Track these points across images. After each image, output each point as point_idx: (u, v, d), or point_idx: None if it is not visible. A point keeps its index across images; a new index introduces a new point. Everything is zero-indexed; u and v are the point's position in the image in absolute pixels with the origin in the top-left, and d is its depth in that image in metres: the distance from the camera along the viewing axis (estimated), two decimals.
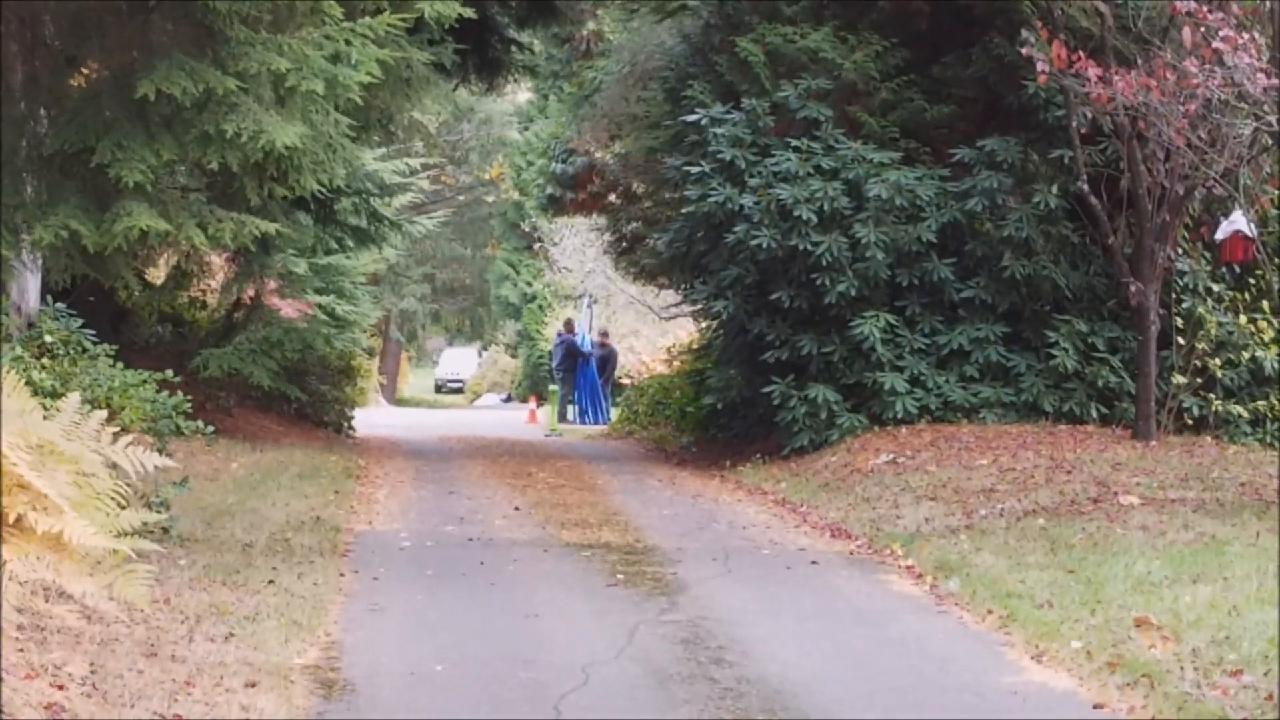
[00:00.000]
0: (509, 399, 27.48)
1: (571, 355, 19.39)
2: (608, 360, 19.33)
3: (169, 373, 8.83)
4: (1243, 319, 11.34)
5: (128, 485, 5.67)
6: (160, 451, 6.38)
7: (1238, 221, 10.00)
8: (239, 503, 9.19)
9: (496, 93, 17.12)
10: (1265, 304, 11.27)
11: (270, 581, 6.70)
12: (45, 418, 5.32)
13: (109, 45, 8.54)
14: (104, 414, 5.60)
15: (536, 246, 23.61)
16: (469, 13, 10.22)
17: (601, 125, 14.31)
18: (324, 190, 11.13)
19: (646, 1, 13.06)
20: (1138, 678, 5.21)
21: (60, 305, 9.98)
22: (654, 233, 13.02)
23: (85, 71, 9.03)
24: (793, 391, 11.66)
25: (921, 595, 7.39)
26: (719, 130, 11.61)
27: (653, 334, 19.30)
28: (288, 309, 15.00)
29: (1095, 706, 5.02)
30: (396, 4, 8.55)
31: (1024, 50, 9.08)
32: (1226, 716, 4.56)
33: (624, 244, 15.67)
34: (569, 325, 21.37)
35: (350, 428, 16.41)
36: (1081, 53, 8.46)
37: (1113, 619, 6.07)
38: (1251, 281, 11.39)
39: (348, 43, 8.37)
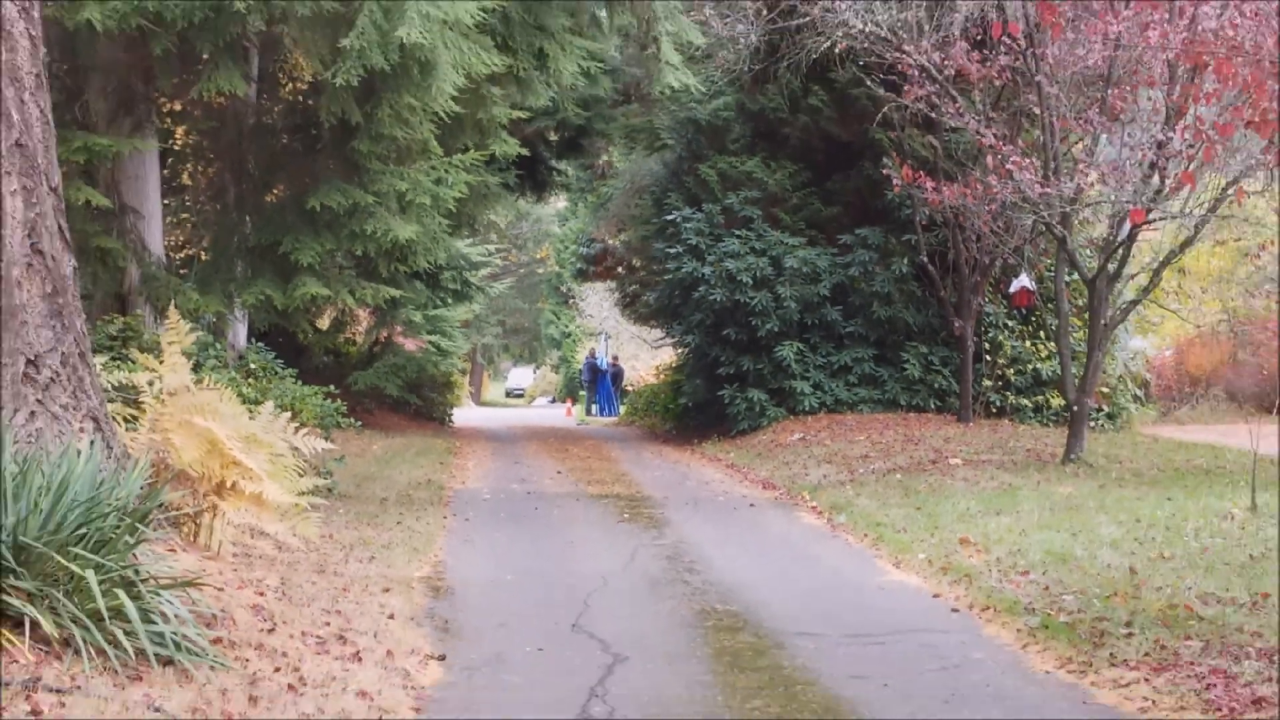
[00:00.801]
0: (554, 400, 36.59)
1: (594, 371, 26.00)
2: (618, 375, 25.62)
3: (331, 388, 11.97)
4: (1028, 343, 15.31)
5: (304, 461, 7.79)
6: (325, 439, 8.61)
7: (1024, 280, 13.74)
8: (378, 471, 12.21)
9: (544, 202, 24.12)
10: (1041, 334, 15.22)
11: (398, 522, 8.90)
12: (250, 418, 7.27)
13: (291, 174, 11.82)
14: (288, 415, 7.76)
15: (570, 301, 32.87)
16: (525, 151, 14.21)
17: (612, 222, 19.79)
18: (432, 266, 15.55)
19: (640, 141, 17.67)
20: (961, 577, 7.04)
21: (260, 344, 12.77)
22: (647, 292, 18.04)
23: (275, 191, 12.27)
24: (737, 394, 15.54)
25: (821, 525, 9.65)
26: (688, 225, 15.36)
27: (647, 357, 26.14)
28: (409, 345, 20.18)
29: (934, 596, 6.80)
30: (478, 145, 11.50)
31: (884, 171, 12.83)
32: (1018, 600, 6.22)
33: (628, 299, 21.91)
34: (592, 352, 29.14)
35: (450, 421, 21.37)
36: (922, 172, 11.74)
37: (945, 539, 8.23)
38: (1033, 319, 15.29)
39: (446, 171, 11.62)
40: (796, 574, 7.76)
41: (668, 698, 4.87)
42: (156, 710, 3.91)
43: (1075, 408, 11.33)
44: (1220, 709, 4.41)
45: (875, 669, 5.30)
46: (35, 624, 4.40)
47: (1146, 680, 4.84)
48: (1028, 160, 10.53)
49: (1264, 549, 7.44)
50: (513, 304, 33.35)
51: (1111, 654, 5.25)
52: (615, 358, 26.88)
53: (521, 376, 39.15)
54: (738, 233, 15.00)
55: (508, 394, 38.99)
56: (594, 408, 25.46)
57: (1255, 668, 4.79)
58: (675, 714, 4.46)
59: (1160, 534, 8.14)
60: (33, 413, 5.64)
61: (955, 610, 6.47)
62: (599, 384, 24.82)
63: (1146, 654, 5.20)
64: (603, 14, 12.86)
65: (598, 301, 27.65)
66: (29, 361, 5.70)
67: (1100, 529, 8.37)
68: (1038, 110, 10.62)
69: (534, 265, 33.60)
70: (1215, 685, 4.75)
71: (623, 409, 23.67)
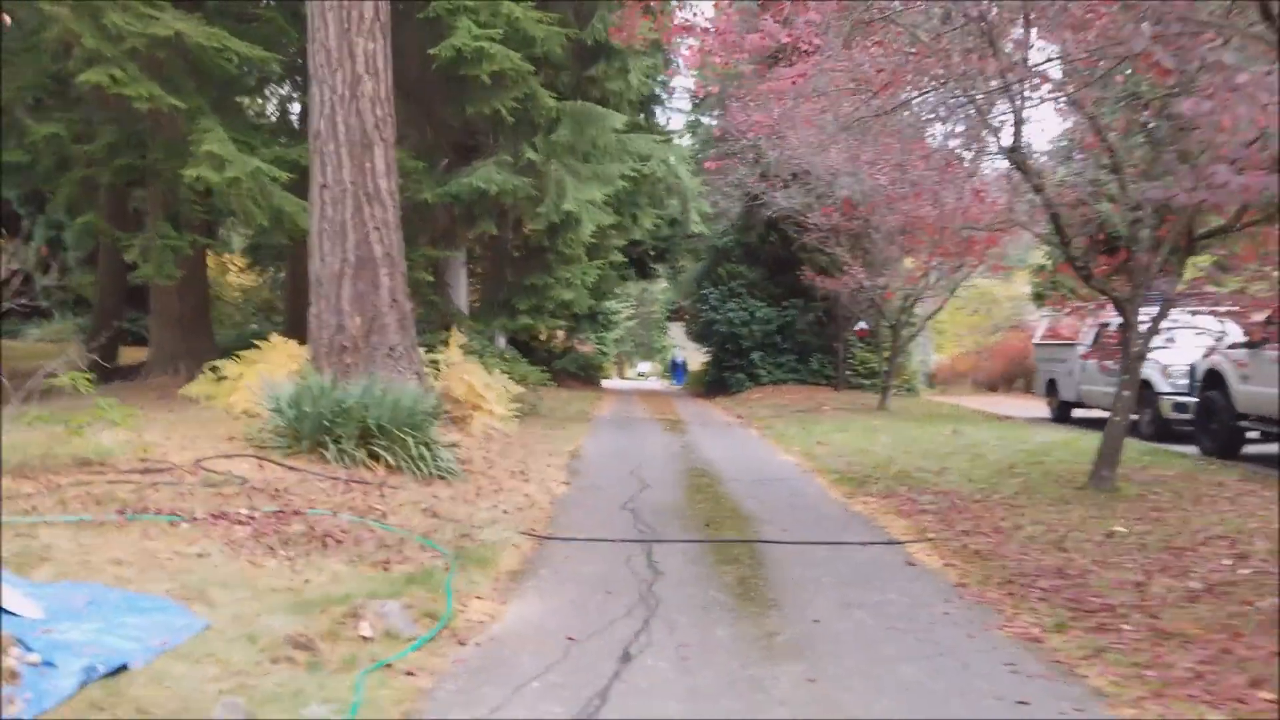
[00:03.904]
0: (655, 378, 56.96)
1: (674, 364, 42.50)
2: (684, 365, 41.36)
3: (543, 367, 19.22)
4: (867, 353, 22.80)
5: (521, 399, 13.17)
6: (534, 388, 15.36)
7: (862, 324, 20.64)
8: (560, 406, 17.45)
9: (648, 281, 37.34)
10: (873, 349, 22.17)
11: (563, 428, 13.70)
12: (490, 377, 12.11)
13: (517, 267, 18.67)
14: (508, 378, 12.97)
15: (665, 329, 52.51)
16: (624, 259, 24.53)
17: (683, 293, 31.26)
18: (585, 313, 24.92)
19: (691, 254, 27.92)
20: (812, 457, 10.90)
21: (511, 346, 19.98)
22: (697, 326, 27.21)
23: (510, 275, 19.06)
24: (731, 375, 23.75)
25: (757, 435, 14.12)
26: (712, 296, 23.80)
27: (697, 357, 38.92)
28: (586, 348, 31.96)
29: (797, 465, 10.60)
30: (602, 256, 20.79)
31: (803, 270, 19.50)
32: (834, 467, 10.04)
33: (689, 329, 33.42)
34: (674, 354, 44.54)
35: (601, 385, 32.25)
36: (818, 273, 18.71)
37: (809, 442, 12.10)
38: (868, 342, 22.08)
39: (585, 270, 19.33)
40: (738, 455, 11.47)
41: (662, 501, 8.04)
42: (434, 497, 7.27)
43: (885, 384, 18.09)
44: (905, 513, 7.53)
45: (764, 493, 8.46)
46: (385, 460, 7.65)
47: (879, 501, 8.09)
48: (862, 269, 16.59)
49: (953, 448, 11.12)
50: (637, 331, 57.65)
51: (867, 491, 8.46)
52: (684, 357, 44.11)
53: (645, 367, 64.66)
54: (734, 300, 23.52)
55: (637, 375, 63.82)
56: (673, 381, 42.46)
57: (928, 498, 8.13)
58: (664, 510, 7.70)
59: (910, 442, 11.60)
60: (390, 369, 9.13)
61: (805, 472, 9.95)
62: (676, 370, 42.26)
63: (882, 492, 8.36)
64: (672, 200, 19.19)
65: (677, 330, 45.76)
66: (389, 348, 9.16)
67: (882, 438, 12.09)
68: (868, 245, 16.58)
69: (650, 312, 56.20)
70: (906, 503, 7.91)
71: (685, 382, 37.29)
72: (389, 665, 3.77)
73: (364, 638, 4.00)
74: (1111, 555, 5.96)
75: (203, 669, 3.52)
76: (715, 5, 6.56)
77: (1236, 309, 6.93)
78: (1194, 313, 7.76)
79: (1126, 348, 7.69)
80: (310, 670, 3.65)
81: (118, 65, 9.50)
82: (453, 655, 4.09)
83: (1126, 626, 4.59)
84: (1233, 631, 4.41)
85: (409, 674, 3.79)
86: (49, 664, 3.17)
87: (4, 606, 3.50)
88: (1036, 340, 18.00)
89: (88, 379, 6.66)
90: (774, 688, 3.82)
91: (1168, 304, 7.56)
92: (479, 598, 4.94)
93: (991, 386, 25.84)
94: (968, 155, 7.97)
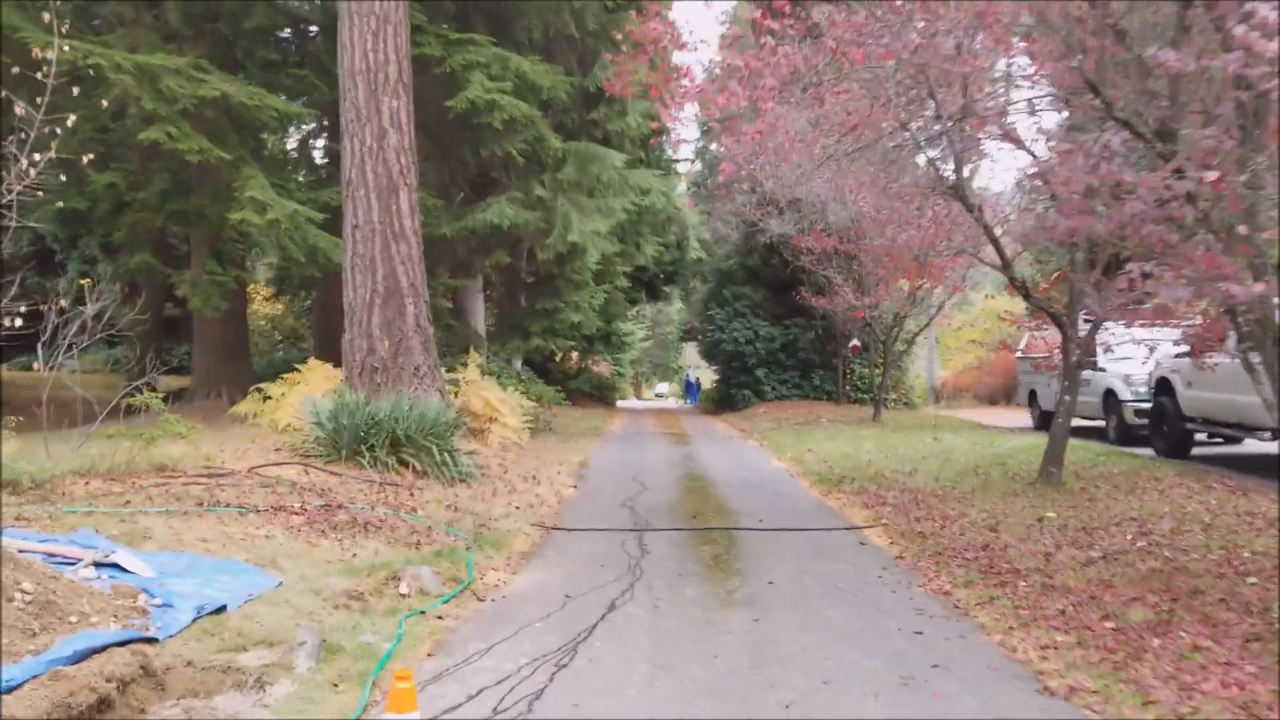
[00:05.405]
0: (673, 398, 57.53)
1: (688, 383, 43.68)
2: (699, 383, 42.13)
3: (558, 387, 20.37)
4: (864, 368, 23.40)
5: (534, 417, 14.07)
6: (549, 406, 16.38)
7: (855, 341, 20.89)
8: (573, 423, 18.03)
9: (663, 303, 38.79)
10: (869, 364, 22.68)
11: (575, 441, 14.53)
12: (505, 393, 13.30)
13: (529, 293, 19.81)
14: (523, 394, 14.13)
15: (679, 350, 52.94)
16: (628, 284, 25.87)
17: (693, 313, 31.70)
18: (601, 332, 26.26)
19: (699, 277, 28.86)
20: (800, 463, 11.68)
21: (528, 366, 20.77)
22: (705, 345, 26.95)
23: (523, 300, 20.16)
24: (738, 391, 24.07)
25: (755, 445, 14.77)
26: (718, 316, 23.97)
27: (708, 375, 39.16)
28: (602, 369, 32.73)
29: (787, 471, 11.33)
30: (609, 281, 21.80)
31: (801, 291, 19.97)
32: (817, 471, 10.88)
33: (701, 347, 32.61)
34: (687, 374, 45.18)
35: (616, 404, 32.54)
36: (814, 294, 19.18)
37: (801, 450, 12.70)
38: (862, 359, 22.43)
39: (593, 295, 20.13)
40: (734, 463, 12.10)
41: (658, 500, 8.92)
42: (456, 496, 8.19)
43: (877, 397, 19.04)
44: (869, 506, 8.33)
45: (750, 494, 9.28)
46: (413, 465, 8.58)
47: (850, 497, 8.98)
48: (851, 290, 17.25)
49: (930, 453, 11.78)
50: (652, 351, 58.30)
51: (841, 489, 9.33)
52: (697, 376, 45.17)
53: (663, 387, 66.50)
54: (739, 320, 24.00)
55: (655, 395, 65.13)
56: (687, 400, 44.35)
57: (894, 494, 8.89)
58: (659, 507, 8.57)
59: (891, 448, 12.22)
60: (415, 387, 10.06)
61: (792, 475, 10.70)
62: (690, 389, 44.27)
63: (854, 490, 9.18)
64: (672, 227, 20.38)
65: (690, 350, 46.81)
66: (415, 368, 10.10)
67: (866, 446, 12.69)
68: (856, 267, 17.17)
69: (666, 333, 56.97)
70: (873, 498, 8.72)
71: (699, 401, 37.38)
72: (423, 613, 4.78)
73: (402, 594, 4.98)
74: (1034, 535, 6.82)
75: (281, 611, 4.49)
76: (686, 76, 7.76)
77: (1166, 323, 8.04)
78: (1127, 325, 8.89)
79: (1066, 358, 8.83)
80: (362, 614, 4.63)
81: (172, 123, 10.88)
82: (472, 608, 5.05)
83: (1022, 583, 5.46)
84: (1106, 584, 5.29)
85: (438, 618, 4.80)
86: (168, 605, 4.33)
87: (125, 567, 4.69)
88: (1018, 354, 19.16)
89: (160, 399, 7.97)
90: (724, 625, 4.75)
91: (1097, 320, 8.67)
92: (494, 570, 5.90)
93: (992, 400, 27.08)
94: (922, 190, 9.14)
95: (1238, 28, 2.99)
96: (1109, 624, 4.64)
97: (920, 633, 4.74)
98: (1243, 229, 3.69)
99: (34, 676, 3.17)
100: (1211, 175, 3.29)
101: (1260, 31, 2.90)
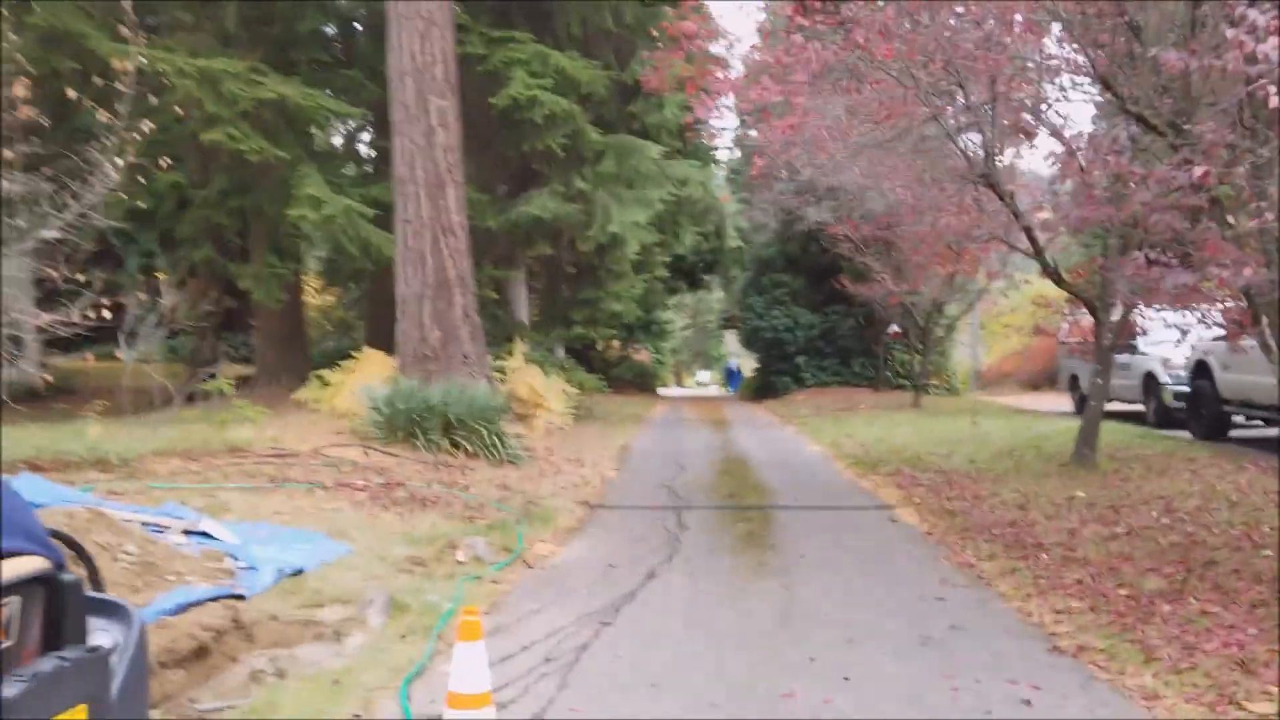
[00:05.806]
0: (715, 386, 57.81)
1: (729, 370, 43.76)
2: (739, 371, 42.21)
3: (600, 375, 20.82)
4: (905, 354, 22.84)
5: (577, 404, 14.55)
6: (591, 394, 16.60)
7: (894, 327, 20.84)
8: (615, 409, 18.20)
9: (704, 291, 37.68)
10: (909, 350, 21.84)
11: (618, 427, 14.88)
12: (549, 380, 13.45)
13: (571, 283, 19.81)
14: (572, 382, 14.42)
15: (719, 338, 52.99)
16: (667, 274, 26.44)
17: (732, 303, 32.07)
18: (641, 321, 27.23)
19: (738, 265, 28.38)
20: (837, 447, 11.96)
21: (570, 355, 20.74)
22: (745, 333, 27.28)
23: (565, 290, 20.07)
24: (777, 378, 24.20)
25: (793, 431, 14.95)
26: (757, 304, 24.24)
27: (748, 363, 40.67)
28: (643, 357, 33.07)
29: (823, 454, 11.65)
30: (649, 270, 21.95)
31: (840, 278, 20.03)
32: (853, 454, 11.12)
33: (741, 335, 33.03)
34: (728, 361, 45.69)
35: (657, 392, 32.63)
36: (855, 280, 18.67)
37: (838, 435, 12.96)
38: (904, 344, 22.07)
39: (633, 285, 20.21)
40: (772, 447, 12.40)
41: (697, 481, 9.28)
42: (505, 476, 8.69)
43: (917, 383, 19.11)
44: (902, 487, 8.54)
45: (784, 474, 9.62)
46: (464, 447, 9.02)
47: (884, 479, 9.21)
48: (890, 276, 17.15)
49: (967, 437, 11.82)
50: (693, 340, 59.18)
51: (876, 472, 9.57)
52: (737, 364, 45.68)
53: (704, 375, 66.39)
54: (778, 308, 24.14)
55: (696, 383, 64.20)
56: (728, 387, 43.55)
57: (928, 475, 9.10)
58: (697, 487, 8.93)
59: (928, 432, 12.39)
60: (465, 373, 10.46)
61: (827, 459, 10.99)
62: (731, 376, 44.02)
63: (889, 472, 9.38)
64: (711, 216, 20.23)
65: (731, 338, 47.45)
66: (464, 356, 10.51)
67: (903, 430, 12.88)
68: (894, 254, 16.90)
69: (707, 321, 56.75)
70: (907, 479, 8.90)
71: (740, 388, 37.06)
72: (479, 577, 5.22)
73: (459, 561, 5.40)
74: (1062, 513, 7.00)
75: (352, 574, 4.92)
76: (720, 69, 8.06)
77: (1197, 307, 8.20)
78: (1149, 308, 9.04)
79: (1099, 342, 9.04)
80: (425, 579, 5.06)
81: (233, 125, 11.50)
82: (523, 574, 5.49)
83: (1045, 556, 5.68)
84: (1125, 557, 5.49)
85: (493, 582, 5.24)
86: (252, 568, 4.85)
87: (212, 534, 5.23)
88: (1061, 339, 19.13)
89: (231, 385, 8.57)
90: (755, 590, 5.09)
91: (1129, 304, 8.85)
92: (542, 542, 6.30)
93: (1035, 385, 26.89)
94: (956, 177, 9.36)
95: (1229, 30, 3.31)
96: (1123, 591, 4.89)
97: (942, 599, 4.99)
98: (1245, 220, 3.97)
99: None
100: (1198, 170, 3.59)
101: (1250, 35, 3.21)
